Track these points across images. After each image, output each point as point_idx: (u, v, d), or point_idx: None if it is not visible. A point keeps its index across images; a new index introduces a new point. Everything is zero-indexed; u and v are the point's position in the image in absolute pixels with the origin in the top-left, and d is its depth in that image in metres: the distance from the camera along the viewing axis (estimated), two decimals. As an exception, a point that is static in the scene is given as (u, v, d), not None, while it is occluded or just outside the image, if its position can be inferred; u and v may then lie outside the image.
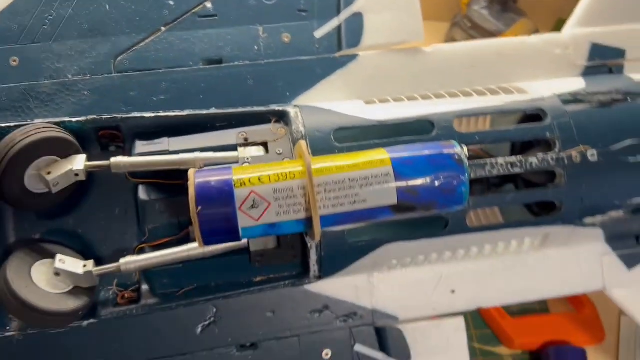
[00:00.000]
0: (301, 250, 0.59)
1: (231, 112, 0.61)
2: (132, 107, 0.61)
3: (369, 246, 0.61)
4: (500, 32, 1.12)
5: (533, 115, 0.66)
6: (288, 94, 0.65)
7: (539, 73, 0.72)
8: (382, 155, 0.49)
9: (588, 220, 0.66)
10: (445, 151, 0.49)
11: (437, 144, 0.50)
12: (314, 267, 0.60)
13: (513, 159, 0.62)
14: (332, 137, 0.59)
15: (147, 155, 0.57)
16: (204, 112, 0.61)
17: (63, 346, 0.58)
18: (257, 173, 0.47)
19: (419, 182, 0.48)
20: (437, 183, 0.48)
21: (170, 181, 0.58)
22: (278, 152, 0.58)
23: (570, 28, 0.74)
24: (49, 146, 0.54)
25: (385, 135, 0.60)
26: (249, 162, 0.56)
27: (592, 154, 0.63)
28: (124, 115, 0.59)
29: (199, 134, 0.60)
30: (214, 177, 0.47)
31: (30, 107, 0.60)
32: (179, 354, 0.61)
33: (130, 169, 0.55)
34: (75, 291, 0.55)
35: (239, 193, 0.46)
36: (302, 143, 0.49)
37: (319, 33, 0.66)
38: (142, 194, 0.58)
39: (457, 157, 0.49)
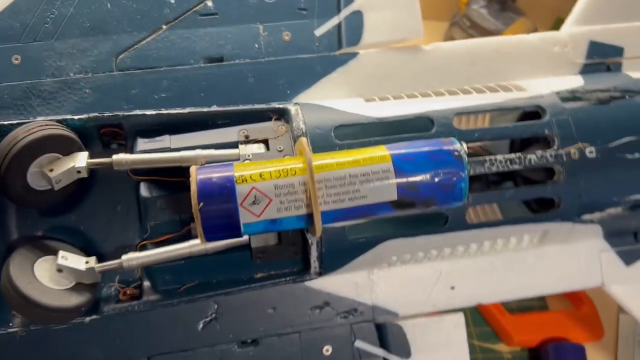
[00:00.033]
0: (302, 247, 0.60)
1: (232, 110, 0.62)
2: (134, 105, 0.61)
3: (369, 243, 0.61)
4: (499, 31, 1.12)
5: (532, 113, 0.67)
6: (288, 91, 0.65)
7: (537, 71, 0.72)
8: (382, 151, 0.49)
9: (586, 217, 0.66)
10: (445, 148, 0.50)
11: (437, 141, 0.51)
12: (314, 264, 0.60)
13: (512, 155, 0.62)
14: (332, 134, 0.60)
15: (148, 152, 0.57)
16: (205, 109, 0.61)
17: (65, 342, 0.59)
18: (259, 169, 0.47)
19: (418, 178, 0.48)
20: (436, 179, 0.49)
21: (172, 178, 0.58)
22: (279, 150, 0.59)
23: (569, 26, 0.74)
24: (51, 143, 0.54)
25: (385, 133, 0.60)
26: (250, 160, 0.57)
27: (590, 151, 0.63)
28: (125, 113, 0.59)
29: (200, 131, 0.60)
30: (215, 174, 0.47)
31: (33, 105, 0.60)
32: (181, 350, 0.61)
33: (132, 166, 0.56)
34: (78, 287, 0.55)
35: (241, 189, 0.46)
36: (303, 140, 0.49)
37: (319, 31, 0.67)
38: (144, 191, 0.58)
39: (456, 154, 0.49)
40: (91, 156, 0.56)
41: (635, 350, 0.89)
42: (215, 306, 0.61)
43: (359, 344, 0.64)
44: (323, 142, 0.59)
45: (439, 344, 0.66)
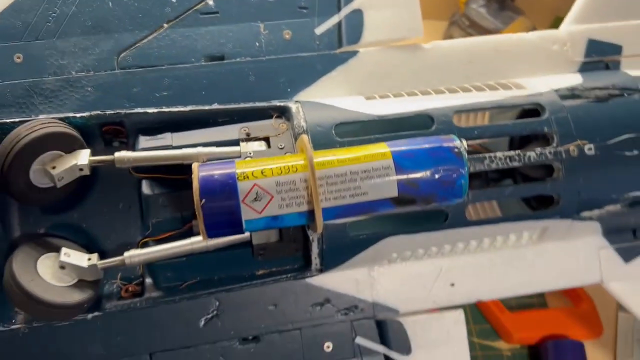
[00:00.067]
0: (303, 244, 0.60)
1: (233, 108, 0.62)
2: (135, 103, 0.62)
3: (370, 239, 0.61)
4: (498, 30, 1.13)
5: (531, 110, 0.67)
6: (289, 90, 0.66)
7: (536, 69, 0.72)
8: (382, 148, 0.49)
9: (585, 214, 0.67)
10: (445, 144, 0.50)
11: (437, 138, 0.51)
12: (315, 260, 0.60)
13: (512, 153, 0.63)
14: (333, 131, 0.60)
15: (150, 150, 0.58)
16: (207, 107, 0.62)
17: (68, 339, 0.59)
18: (260, 166, 0.48)
19: (419, 174, 0.48)
20: (437, 176, 0.49)
21: (173, 176, 0.58)
22: (280, 147, 0.59)
23: (568, 24, 0.74)
24: (53, 141, 0.54)
25: (386, 130, 0.61)
26: (251, 157, 0.57)
27: (589, 148, 0.64)
28: (127, 111, 0.59)
29: (202, 129, 0.61)
30: (217, 171, 0.47)
31: (35, 103, 0.60)
32: (182, 347, 0.61)
33: (134, 163, 0.56)
34: (80, 284, 0.56)
35: (242, 186, 0.47)
36: (304, 137, 0.50)
37: (319, 30, 0.67)
38: (146, 188, 0.58)
39: (456, 150, 0.49)
40: (93, 154, 0.56)
41: (634, 348, 0.89)
42: (217, 303, 0.62)
43: (359, 340, 0.64)
44: (324, 139, 0.59)
45: (439, 341, 0.66)
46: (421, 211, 0.57)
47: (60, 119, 0.57)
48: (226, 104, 0.62)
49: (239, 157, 0.57)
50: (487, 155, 0.62)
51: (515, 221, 0.66)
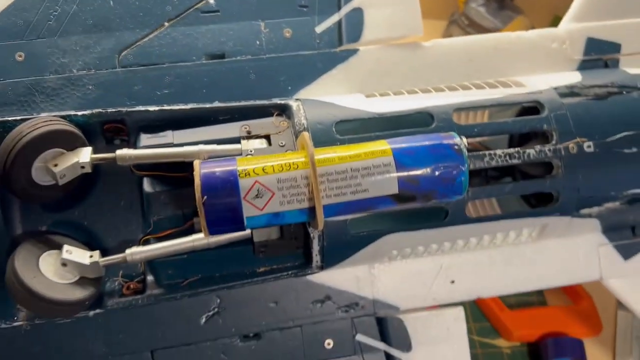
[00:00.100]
0: (304, 241, 0.60)
1: (234, 106, 0.62)
2: (137, 102, 0.62)
3: (371, 237, 0.62)
4: (497, 29, 1.13)
5: (530, 108, 0.67)
6: (290, 88, 0.66)
7: (536, 67, 0.73)
8: (383, 146, 0.50)
9: (585, 211, 0.67)
10: (445, 141, 0.50)
11: (437, 135, 0.51)
12: (316, 258, 0.60)
13: (511, 150, 0.63)
14: (333, 129, 0.60)
15: (152, 147, 0.58)
16: (208, 105, 0.62)
17: (69, 336, 0.59)
18: (261, 163, 0.48)
19: (419, 171, 0.49)
20: (437, 172, 0.49)
21: (175, 173, 0.58)
22: (281, 145, 0.59)
23: (567, 23, 0.75)
24: (55, 139, 0.54)
25: (386, 128, 0.61)
26: (252, 154, 0.57)
27: (588, 146, 0.64)
28: (128, 109, 0.59)
29: (203, 127, 0.61)
30: (219, 168, 0.48)
31: (36, 102, 0.60)
32: (183, 344, 0.61)
33: (136, 161, 0.56)
34: (82, 281, 0.56)
35: (244, 183, 0.47)
36: (305, 134, 0.50)
37: (319, 28, 0.67)
38: (147, 186, 0.58)
39: (456, 147, 0.50)
40: (95, 152, 0.56)
41: (633, 345, 0.89)
42: (218, 300, 0.62)
43: (360, 337, 0.64)
44: (324, 137, 0.59)
45: (439, 338, 0.66)
46: (421, 208, 0.58)
47: (62, 117, 0.57)
48: (227, 102, 0.62)
49: (240, 154, 0.57)
50: (486, 152, 0.62)
51: (514, 218, 0.66)
